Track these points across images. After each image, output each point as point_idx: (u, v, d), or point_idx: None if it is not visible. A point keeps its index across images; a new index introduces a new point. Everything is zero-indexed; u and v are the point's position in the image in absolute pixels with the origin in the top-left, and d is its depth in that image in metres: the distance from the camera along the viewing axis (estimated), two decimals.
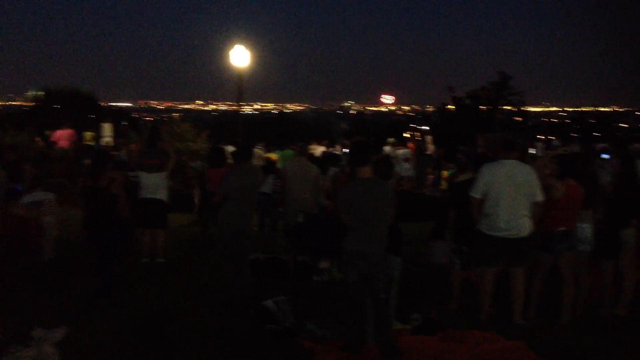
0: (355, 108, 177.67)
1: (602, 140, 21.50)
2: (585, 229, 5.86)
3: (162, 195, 7.91)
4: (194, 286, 6.88)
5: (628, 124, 53.07)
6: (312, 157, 9.23)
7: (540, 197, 5.52)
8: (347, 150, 13.38)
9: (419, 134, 23.57)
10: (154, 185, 7.84)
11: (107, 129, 18.09)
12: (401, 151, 16.29)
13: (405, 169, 15.98)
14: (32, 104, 37.96)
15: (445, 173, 14.55)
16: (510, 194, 5.49)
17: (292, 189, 7.49)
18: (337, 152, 18.32)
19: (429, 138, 18.49)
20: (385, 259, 4.90)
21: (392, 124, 55.03)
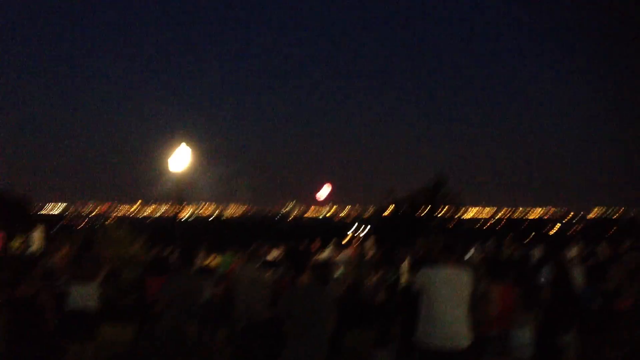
0: (296, 210, 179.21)
1: (537, 243, 22.18)
2: (522, 334, 5.85)
3: (91, 305, 7.54)
4: None
5: (559, 228, 55.73)
6: (265, 262, 9.03)
7: (477, 300, 5.53)
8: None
9: (358, 237, 23.73)
10: (84, 295, 7.48)
11: (36, 236, 17.45)
12: (342, 254, 16.26)
13: (345, 274, 15.90)
14: None
15: (385, 277, 14.58)
16: (448, 299, 5.41)
17: (241, 296, 7.22)
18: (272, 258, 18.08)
19: (369, 241, 18.61)
20: None
21: (332, 227, 55.55)
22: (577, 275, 6.86)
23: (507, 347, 5.74)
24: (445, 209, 29.63)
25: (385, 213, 29.67)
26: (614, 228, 44.97)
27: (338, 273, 15.14)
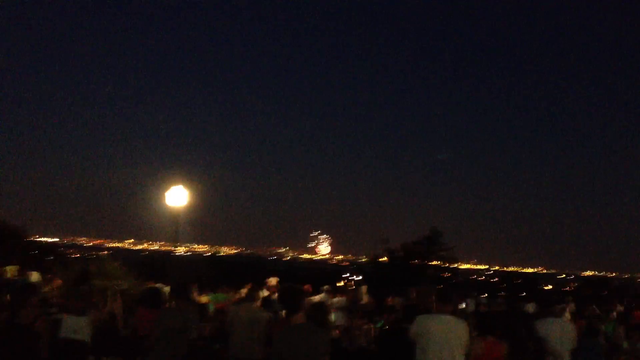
0: (290, 255, 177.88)
1: (529, 300, 22.15)
2: None
3: (83, 336, 7.52)
4: None
5: (552, 286, 55.58)
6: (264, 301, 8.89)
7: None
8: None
9: (352, 283, 23.63)
10: (76, 326, 7.47)
11: (35, 275, 17.18)
12: (335, 299, 16.18)
13: (339, 318, 15.81)
14: None
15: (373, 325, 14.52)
16: (443, 347, 5.43)
17: (236, 336, 7.09)
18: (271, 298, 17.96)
19: (363, 288, 18.54)
20: None
21: (326, 272, 55.16)
22: (571, 330, 6.87)
23: None
24: (439, 261, 29.59)
25: (380, 260, 29.58)
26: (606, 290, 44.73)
27: (332, 317, 15.07)
